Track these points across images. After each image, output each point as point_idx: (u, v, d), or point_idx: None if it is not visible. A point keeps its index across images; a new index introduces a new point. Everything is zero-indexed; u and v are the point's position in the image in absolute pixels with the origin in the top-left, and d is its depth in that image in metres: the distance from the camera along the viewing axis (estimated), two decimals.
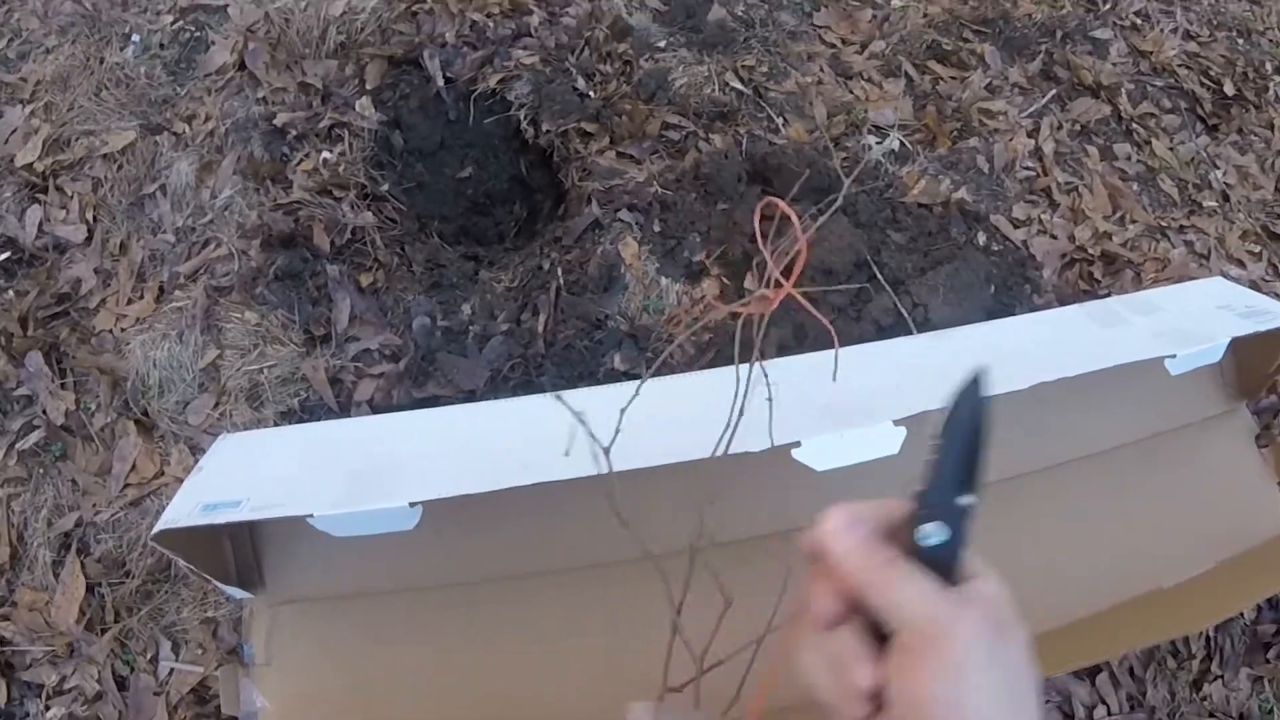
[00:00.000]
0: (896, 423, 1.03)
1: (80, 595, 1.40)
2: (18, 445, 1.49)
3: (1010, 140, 1.71)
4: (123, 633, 1.39)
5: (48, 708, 1.36)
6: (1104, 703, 1.37)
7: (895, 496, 0.37)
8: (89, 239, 1.61)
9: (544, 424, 1.18)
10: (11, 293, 1.60)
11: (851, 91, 1.63)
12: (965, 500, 0.35)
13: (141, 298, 1.54)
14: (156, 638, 1.39)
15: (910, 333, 1.35)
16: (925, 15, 1.85)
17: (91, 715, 1.36)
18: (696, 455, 0.97)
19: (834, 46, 1.70)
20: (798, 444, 1.02)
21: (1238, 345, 1.28)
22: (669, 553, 1.22)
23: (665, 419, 1.13)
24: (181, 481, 1.51)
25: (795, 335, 1.32)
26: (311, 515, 1.00)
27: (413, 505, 1.07)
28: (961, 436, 0.36)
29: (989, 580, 0.36)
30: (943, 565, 0.34)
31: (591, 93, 1.44)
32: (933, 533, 0.34)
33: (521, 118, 1.46)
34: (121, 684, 1.36)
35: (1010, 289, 1.52)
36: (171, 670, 1.38)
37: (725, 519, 1.20)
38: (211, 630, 1.39)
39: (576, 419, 0.45)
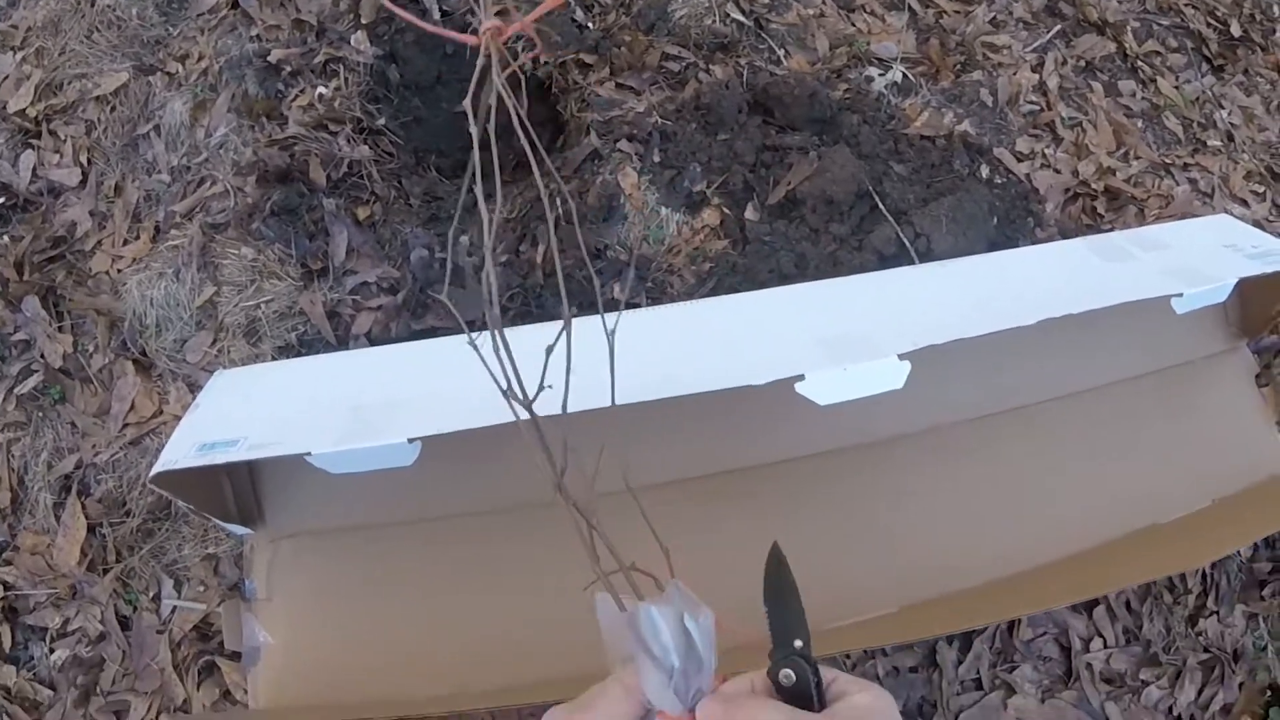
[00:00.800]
0: (901, 357, 1.03)
1: (81, 536, 1.42)
2: (16, 390, 1.50)
3: (1014, 74, 1.70)
4: (124, 572, 1.40)
5: (52, 650, 1.38)
6: (1100, 635, 1.38)
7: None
8: (83, 182, 1.61)
9: (541, 356, 1.18)
10: (6, 238, 1.60)
11: (854, 24, 1.62)
12: (799, 643, 0.44)
13: (137, 238, 1.54)
14: (158, 576, 1.41)
15: (913, 263, 1.35)
16: None
17: (95, 656, 1.37)
18: (688, 390, 0.98)
19: None
20: (801, 378, 1.03)
21: (1244, 285, 1.28)
22: (656, 484, 1.23)
23: (662, 350, 1.14)
24: (180, 418, 1.53)
25: (797, 264, 1.32)
26: (309, 453, 1.01)
27: (411, 441, 1.07)
28: (779, 598, 0.47)
29: (862, 694, 0.42)
30: (805, 697, 0.43)
31: (590, 24, 1.44)
32: (786, 676, 0.43)
33: (519, 49, 1.45)
34: (124, 624, 1.37)
35: (1013, 222, 1.52)
36: (174, 608, 1.39)
37: (725, 449, 1.21)
38: (213, 567, 1.40)
39: (507, 381, 0.47)
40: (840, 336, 1.11)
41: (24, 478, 1.49)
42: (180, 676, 1.35)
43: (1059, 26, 1.86)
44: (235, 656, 1.33)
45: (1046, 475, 1.29)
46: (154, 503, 1.45)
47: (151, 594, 1.41)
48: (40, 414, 1.50)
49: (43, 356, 1.51)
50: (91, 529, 1.42)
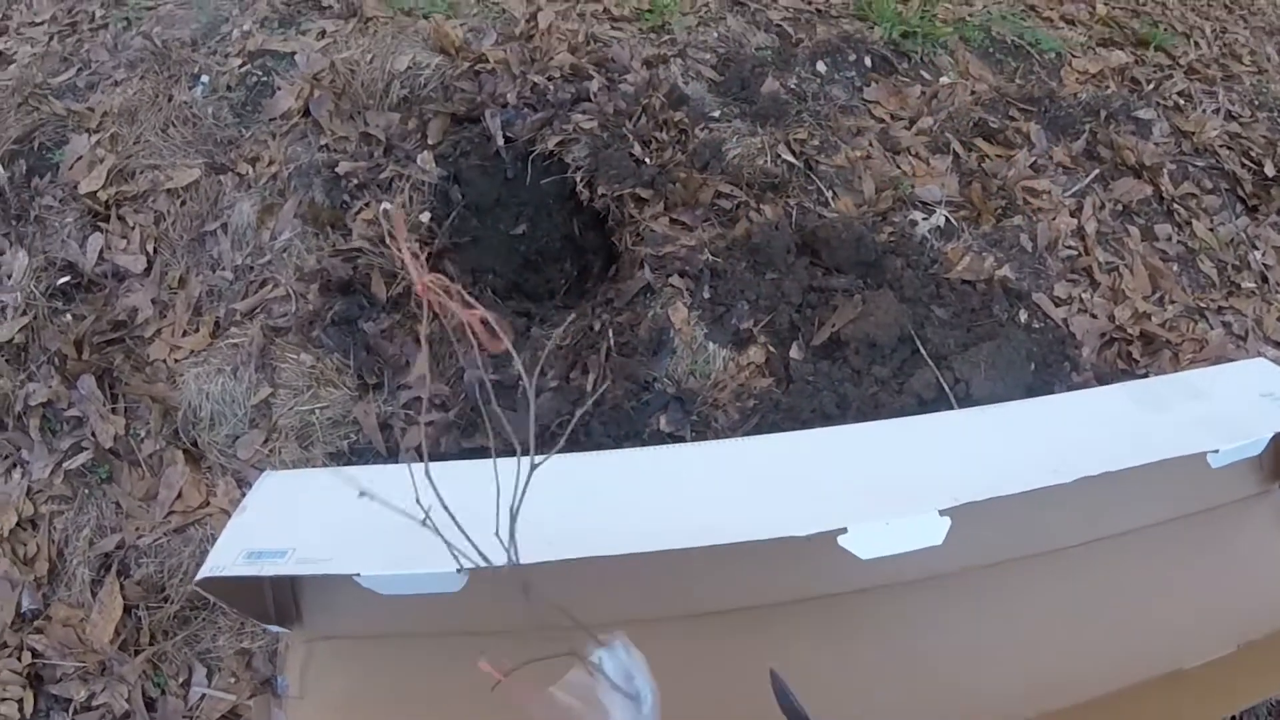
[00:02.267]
0: (942, 513, 1.08)
1: (117, 616, 1.47)
2: (65, 464, 1.56)
3: (1054, 219, 1.78)
4: (156, 655, 1.45)
5: None
6: None
7: None
8: (148, 270, 1.69)
9: (591, 486, 1.24)
10: (69, 316, 1.68)
11: (899, 166, 1.71)
12: None
13: (197, 331, 1.62)
14: (190, 663, 1.45)
15: (951, 407, 1.41)
16: (973, 93, 1.94)
17: None
18: (735, 539, 1.03)
19: (883, 121, 1.79)
20: (844, 530, 1.07)
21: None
22: (694, 614, 1.26)
23: (709, 490, 1.19)
24: (227, 513, 1.59)
25: (839, 405, 1.38)
26: (358, 574, 1.05)
27: (460, 571, 1.12)
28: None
29: None
30: None
31: (647, 159, 1.53)
32: None
33: (578, 180, 1.54)
34: (150, 705, 1.42)
35: (1049, 366, 1.58)
36: (203, 696, 1.43)
37: (762, 584, 1.25)
38: (246, 660, 1.44)
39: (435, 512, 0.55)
40: (882, 486, 1.16)
41: (64, 550, 1.54)
42: None
43: (1097, 170, 1.94)
44: None
45: (1074, 617, 1.32)
46: (193, 592, 1.49)
47: (181, 679, 1.45)
48: (86, 491, 1.56)
49: (94, 435, 1.57)
50: (128, 609, 1.47)
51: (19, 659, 1.42)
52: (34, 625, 1.45)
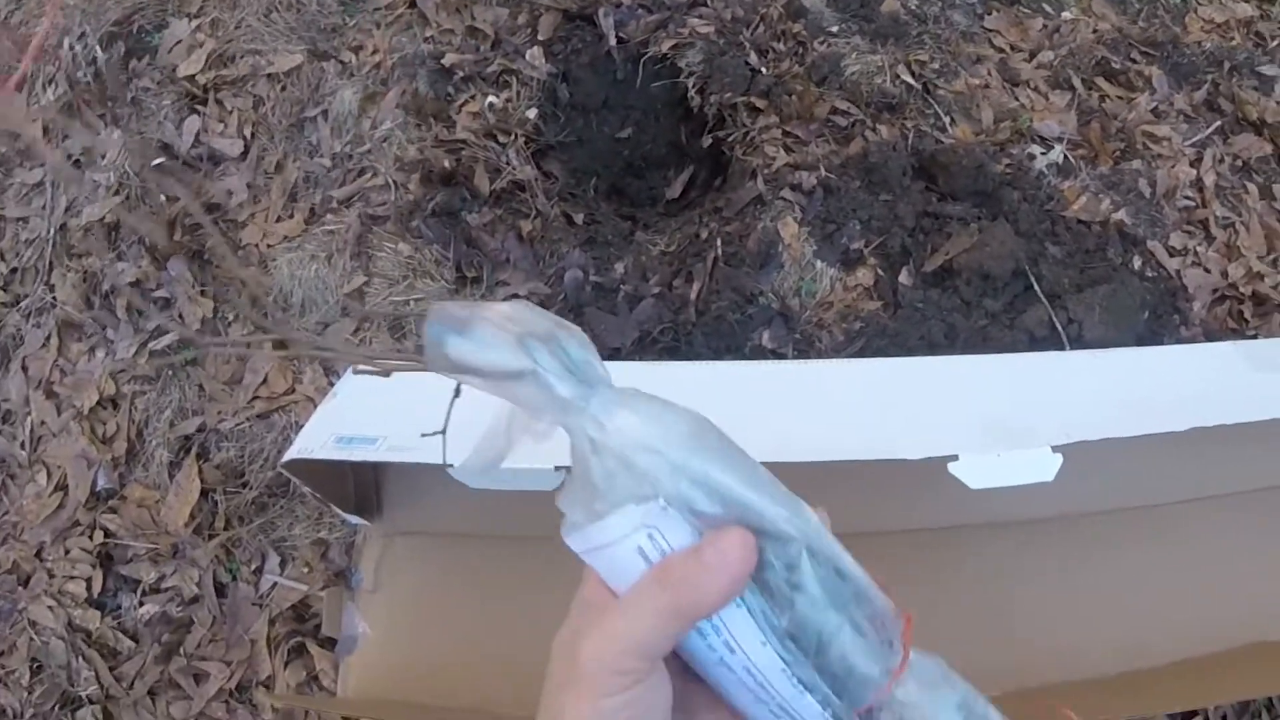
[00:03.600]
0: (1055, 449, 1.04)
1: (193, 499, 1.47)
2: (150, 344, 1.57)
3: (1173, 167, 1.71)
4: (230, 541, 1.45)
5: (141, 603, 1.44)
6: None
7: None
8: (244, 154, 1.68)
9: (693, 395, 1.22)
10: (162, 197, 1.67)
11: (1018, 99, 1.65)
12: None
13: (292, 217, 1.61)
14: (264, 550, 1.45)
15: (1063, 347, 1.36)
16: (1095, 30, 1.85)
17: (185, 617, 1.42)
18: (843, 456, 1.00)
19: (1003, 51, 1.72)
20: (955, 458, 1.05)
21: None
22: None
23: (816, 408, 1.16)
24: (312, 400, 1.59)
25: (946, 335, 1.34)
26: (452, 465, 1.04)
27: (557, 469, 1.10)
28: None
29: None
30: None
31: (764, 69, 1.48)
32: None
33: (690, 86, 1.50)
34: (220, 590, 1.42)
35: (1160, 317, 1.53)
36: (274, 584, 1.43)
37: (864, 510, 1.23)
38: (321, 551, 1.44)
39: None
40: (995, 418, 1.13)
41: (143, 431, 1.55)
42: (269, 652, 1.38)
43: (1218, 123, 1.86)
44: (328, 643, 1.38)
45: (1169, 576, 1.29)
46: (273, 479, 1.50)
47: (254, 566, 1.46)
48: (170, 372, 1.56)
49: (181, 317, 1.57)
50: (205, 493, 1.48)
51: (90, 537, 1.44)
52: (108, 505, 1.47)
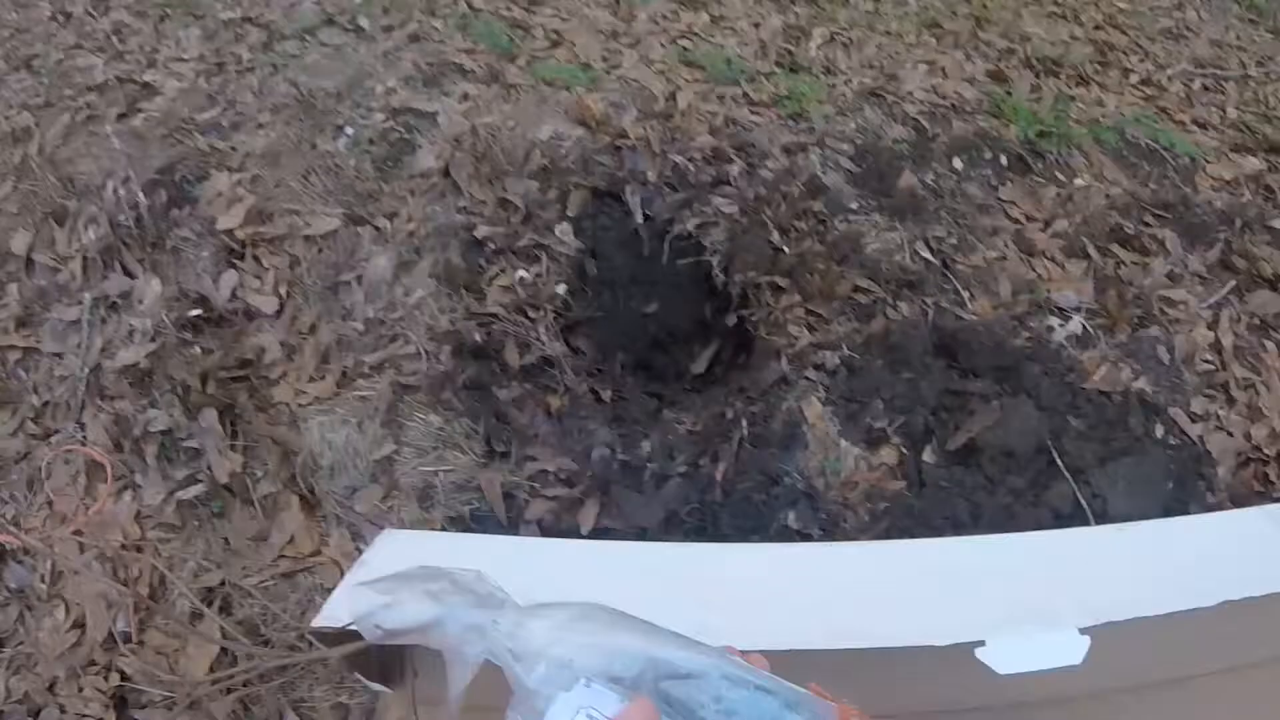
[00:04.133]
0: (1082, 631, 1.04)
1: (214, 652, 1.46)
2: (178, 494, 1.59)
3: (1190, 332, 1.74)
4: (249, 697, 1.43)
5: None
6: None
7: None
8: (279, 312, 1.73)
9: (722, 577, 1.22)
10: (197, 348, 1.71)
11: (1034, 269, 1.69)
12: None
13: (323, 378, 1.64)
14: (283, 710, 1.44)
15: (1088, 522, 1.37)
16: (1107, 196, 1.92)
17: None
18: (871, 644, 1.00)
19: (1018, 222, 1.77)
20: (982, 643, 1.04)
21: None
22: None
23: (841, 592, 1.16)
24: (338, 564, 1.59)
25: (972, 514, 1.35)
26: None
27: None
28: None
29: None
30: None
31: (786, 248, 1.53)
32: None
33: (714, 263, 1.55)
34: None
35: (1185, 485, 1.54)
36: None
37: (905, 693, 1.21)
38: (342, 715, 1.42)
39: None
40: (1019, 600, 1.12)
41: (165, 579, 1.55)
42: None
43: (1233, 282, 1.90)
44: None
45: None
46: (295, 639, 1.48)
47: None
48: (196, 523, 1.57)
49: (210, 469, 1.59)
50: (224, 648, 1.46)
51: (105, 678, 1.42)
52: (126, 647, 1.46)
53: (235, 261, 1.79)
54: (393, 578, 0.38)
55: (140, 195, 1.87)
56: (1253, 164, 2.26)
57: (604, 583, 1.20)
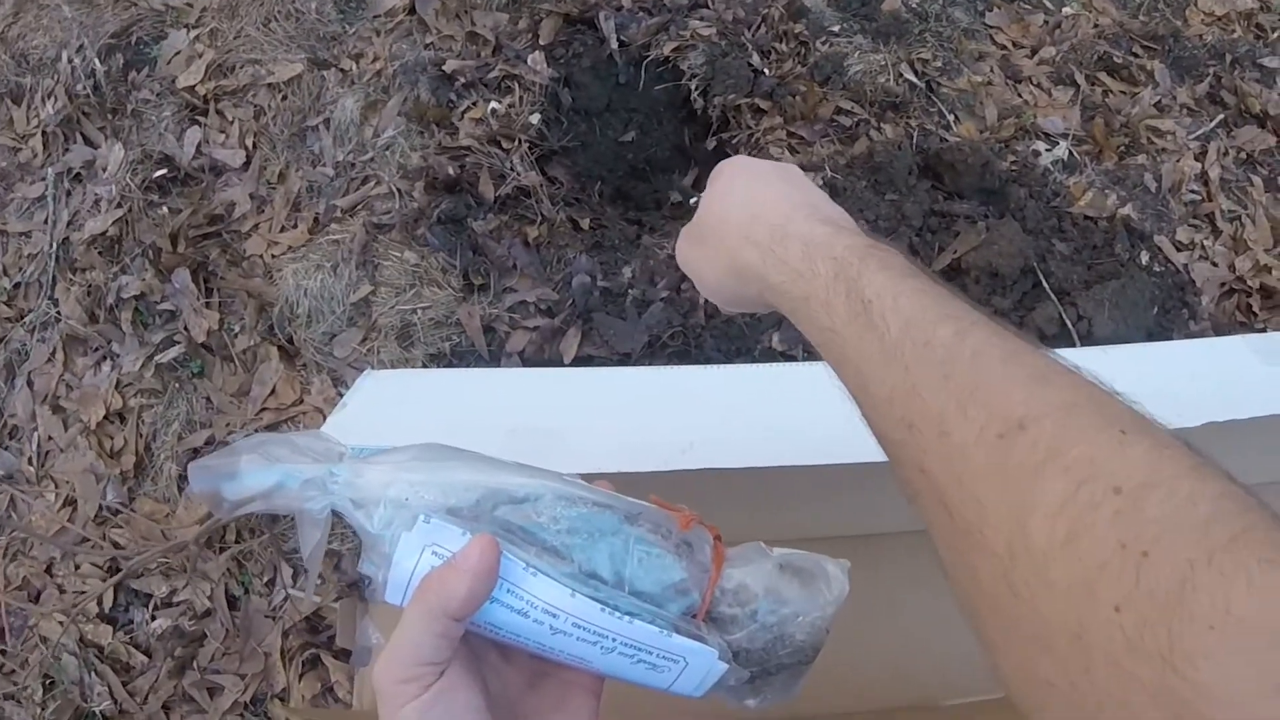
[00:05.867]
0: None
1: (203, 512, 1.45)
2: (156, 358, 1.55)
3: (1177, 161, 1.70)
4: (242, 554, 1.43)
5: (153, 618, 1.42)
6: None
7: None
8: (246, 164, 1.67)
9: (704, 399, 1.21)
10: (165, 209, 1.66)
11: (1020, 95, 1.64)
12: None
13: (295, 227, 1.60)
14: (277, 563, 1.43)
15: (1073, 344, 1.35)
16: (1096, 25, 1.84)
17: (198, 630, 1.40)
18: (841, 460, 0.99)
19: (1005, 48, 1.71)
20: None
21: None
22: (785, 539, 1.24)
23: (820, 410, 1.15)
24: (321, 411, 1.57)
25: None
26: None
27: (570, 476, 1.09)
28: None
29: None
30: None
31: (766, 70, 1.47)
32: None
33: (693, 88, 1.49)
34: (232, 603, 1.41)
35: (1169, 312, 1.52)
36: (287, 596, 1.41)
37: (858, 513, 1.22)
38: (334, 563, 1.42)
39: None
40: None
41: (151, 445, 1.53)
42: (284, 665, 1.37)
43: (1221, 116, 1.85)
44: (343, 654, 1.36)
45: None
46: None
47: (266, 579, 1.44)
48: (177, 385, 1.54)
49: (187, 329, 1.56)
50: None
51: (100, 553, 1.42)
52: (117, 519, 1.45)
53: (198, 119, 1.72)
54: (226, 450, 0.36)
55: (96, 63, 1.78)
56: (1245, 2, 2.18)
57: (583, 407, 1.18)
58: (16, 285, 1.65)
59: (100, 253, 1.65)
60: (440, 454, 0.37)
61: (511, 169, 1.43)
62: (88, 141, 1.75)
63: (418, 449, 0.37)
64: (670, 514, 0.39)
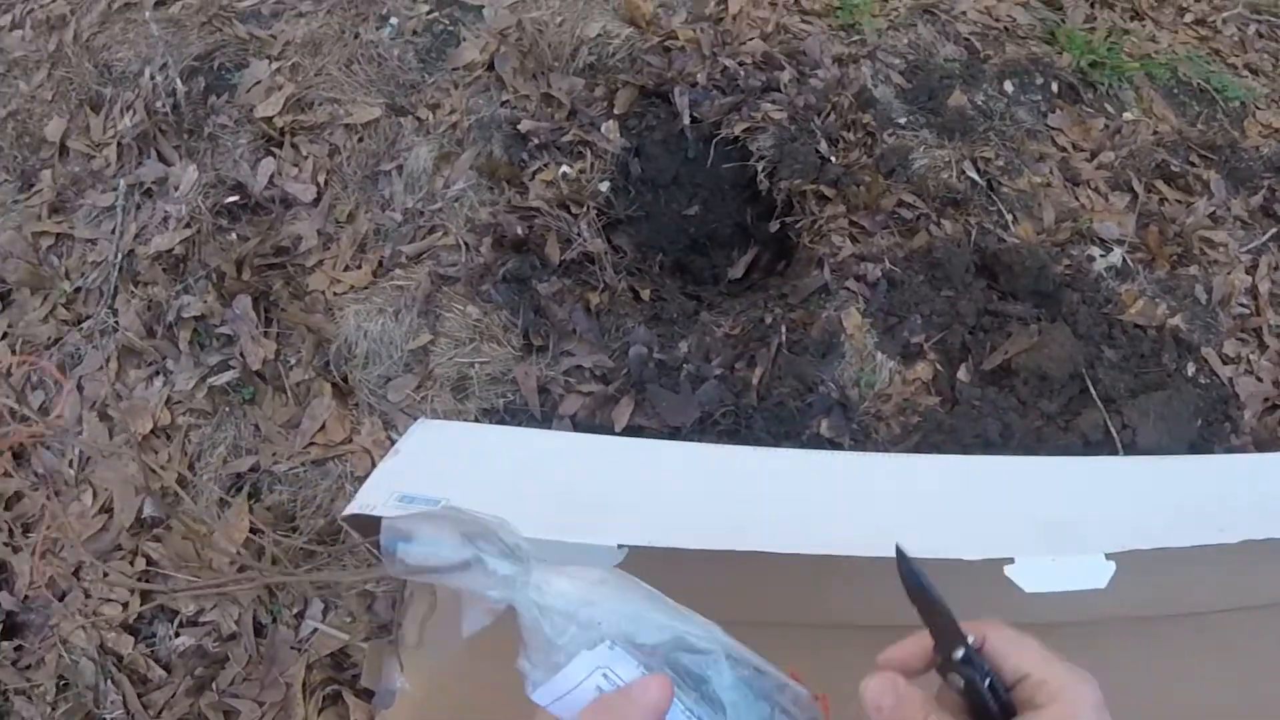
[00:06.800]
0: (1108, 556, 1.05)
1: (241, 537, 1.47)
2: (209, 379, 1.58)
3: (1228, 274, 1.72)
4: (276, 583, 1.44)
5: (177, 634, 1.43)
6: None
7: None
8: (317, 200, 1.71)
9: (755, 480, 1.23)
10: (233, 235, 1.70)
11: (1078, 199, 1.67)
12: (958, 653, 0.40)
13: (360, 267, 1.63)
14: (309, 596, 1.45)
15: (1117, 452, 1.37)
16: (1155, 132, 1.88)
17: (221, 653, 1.42)
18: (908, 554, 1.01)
19: (1065, 151, 1.74)
20: (1011, 561, 1.05)
21: None
22: (844, 625, 1.25)
23: (875, 501, 1.17)
24: (369, 453, 1.60)
25: (1002, 434, 1.35)
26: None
27: (620, 547, 1.11)
28: (921, 603, 0.44)
29: (1060, 703, 0.38)
30: (982, 704, 0.39)
31: (833, 158, 1.51)
32: (955, 681, 0.40)
33: (759, 169, 1.53)
34: (259, 630, 1.41)
35: (1211, 424, 1.54)
36: (315, 630, 1.43)
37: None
38: (367, 603, 1.43)
39: None
40: (1050, 522, 1.13)
41: (195, 464, 1.56)
42: (304, 697, 1.37)
43: (1275, 229, 1.87)
44: (365, 694, 1.37)
45: (1220, 683, 1.28)
46: (324, 526, 1.50)
47: (296, 611, 1.45)
48: (227, 409, 1.57)
49: (243, 355, 1.59)
50: (253, 532, 1.47)
51: (132, 563, 1.44)
52: (153, 533, 1.46)
53: (273, 149, 1.77)
54: (419, 515, 0.38)
55: (178, 82, 1.83)
56: None
57: (635, 478, 1.20)
58: (77, 290, 1.69)
59: (165, 269, 1.69)
60: (626, 585, 0.40)
61: (578, 234, 1.47)
62: (162, 158, 1.80)
63: (605, 573, 0.40)
64: (809, 694, 0.43)
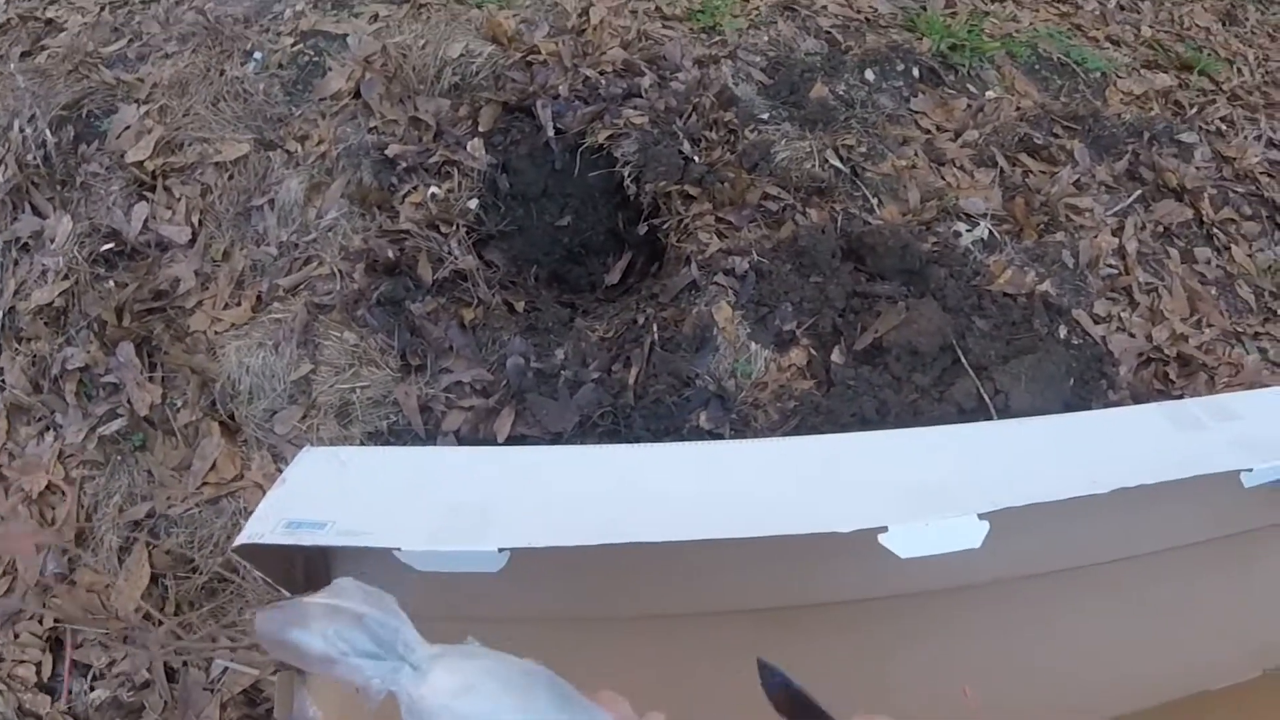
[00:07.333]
0: (981, 516, 1.08)
1: (143, 584, 1.47)
2: (99, 429, 1.57)
3: (1095, 237, 1.78)
4: (181, 626, 1.44)
5: (92, 688, 1.41)
6: None
7: None
8: (192, 241, 1.70)
9: (632, 476, 1.24)
10: (111, 283, 1.68)
11: (944, 178, 1.72)
12: None
13: (239, 304, 1.63)
14: (215, 635, 1.44)
15: (991, 417, 1.42)
16: (1018, 108, 1.94)
17: (137, 702, 1.41)
18: (776, 532, 1.04)
19: (929, 132, 1.79)
20: (884, 529, 1.08)
21: None
22: (728, 611, 1.27)
23: (750, 485, 1.20)
24: (261, 487, 1.59)
25: (878, 410, 1.39)
26: (399, 549, 1.06)
27: (501, 551, 1.13)
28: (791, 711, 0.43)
29: None
30: None
31: (696, 157, 1.54)
32: None
33: (626, 174, 1.55)
34: (170, 675, 1.41)
35: (1087, 383, 1.59)
36: (225, 669, 1.42)
37: (796, 584, 1.26)
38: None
39: None
40: (922, 488, 1.17)
41: (92, 516, 1.54)
42: None
43: (1139, 191, 1.95)
44: None
45: (1103, 634, 1.32)
46: (222, 563, 1.49)
47: (204, 652, 1.44)
48: (119, 458, 1.56)
49: (130, 402, 1.58)
50: (155, 578, 1.47)
51: (40, 622, 1.42)
52: (57, 590, 1.45)
53: (146, 194, 1.75)
54: (293, 606, 0.38)
55: (47, 133, 1.81)
56: (1163, 80, 2.30)
57: (516, 485, 1.21)
58: None
59: (46, 323, 1.66)
60: (519, 675, 0.39)
61: (449, 253, 1.48)
62: (36, 211, 1.78)
63: (495, 662, 0.39)
64: None
